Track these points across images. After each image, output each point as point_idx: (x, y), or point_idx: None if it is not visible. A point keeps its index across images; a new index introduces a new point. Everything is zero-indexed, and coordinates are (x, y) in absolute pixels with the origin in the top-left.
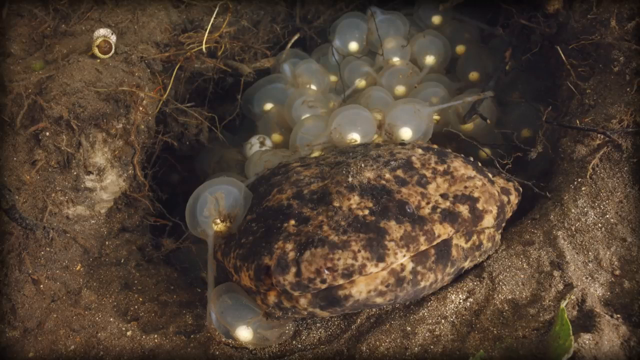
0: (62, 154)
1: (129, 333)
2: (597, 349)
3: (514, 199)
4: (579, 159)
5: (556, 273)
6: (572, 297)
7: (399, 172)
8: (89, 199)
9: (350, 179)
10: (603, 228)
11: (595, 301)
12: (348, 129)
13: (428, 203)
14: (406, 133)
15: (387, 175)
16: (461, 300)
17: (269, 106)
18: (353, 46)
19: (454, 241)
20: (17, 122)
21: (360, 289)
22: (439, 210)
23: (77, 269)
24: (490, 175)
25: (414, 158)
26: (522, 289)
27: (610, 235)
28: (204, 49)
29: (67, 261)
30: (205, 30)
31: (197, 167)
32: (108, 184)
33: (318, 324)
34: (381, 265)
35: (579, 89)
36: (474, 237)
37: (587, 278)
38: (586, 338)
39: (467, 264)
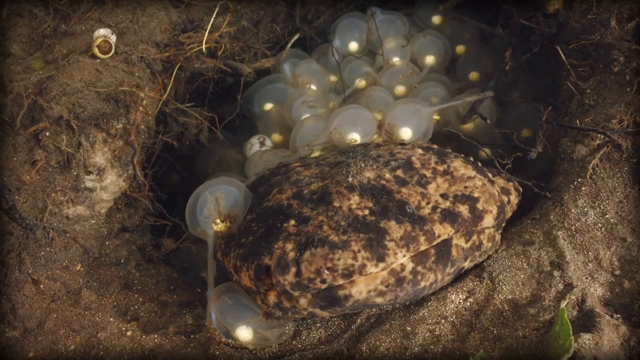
0: (62, 154)
1: (129, 333)
2: (597, 349)
3: (514, 199)
4: (579, 159)
5: (556, 273)
6: (572, 297)
7: (399, 172)
8: (89, 199)
9: (350, 179)
10: (603, 228)
11: (595, 301)
12: (348, 129)
13: (428, 203)
14: (406, 133)
15: (387, 175)
16: (461, 300)
17: (269, 106)
18: (353, 46)
19: (454, 241)
20: (17, 122)
21: (360, 289)
22: (439, 210)
23: (77, 269)
24: (490, 175)
25: (414, 158)
26: (522, 289)
27: (610, 235)
28: (204, 49)
29: (67, 261)
30: (205, 30)
31: (197, 167)
32: (108, 184)
33: (318, 324)
34: (381, 265)
35: (579, 89)
36: (474, 237)
37: (587, 278)
38: (586, 338)
39: (467, 264)
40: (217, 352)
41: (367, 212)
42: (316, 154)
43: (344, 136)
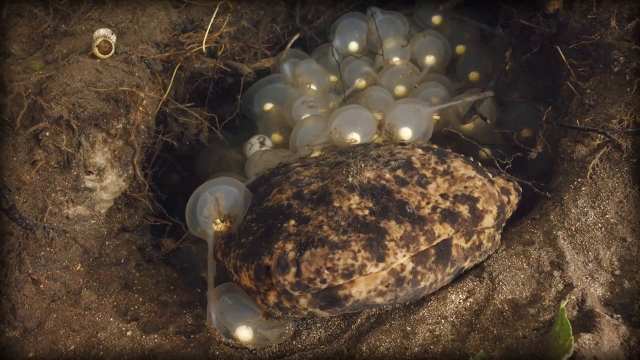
0: (62, 154)
1: (129, 333)
2: (597, 349)
3: (514, 199)
4: (579, 159)
5: (556, 273)
6: (572, 297)
7: (399, 172)
8: (89, 199)
9: (350, 179)
10: (603, 228)
11: (595, 301)
12: (348, 129)
13: (428, 203)
14: (406, 133)
15: (387, 175)
16: (461, 300)
17: (269, 106)
18: (353, 46)
19: (454, 241)
20: (17, 122)
21: (360, 289)
22: (439, 210)
23: (77, 269)
24: (490, 175)
25: (414, 158)
26: (522, 289)
27: (610, 235)
28: (204, 49)
29: (67, 261)
30: (205, 30)
31: (197, 167)
32: (108, 184)
33: (318, 324)
34: (381, 265)
35: (579, 89)
36: (474, 237)
37: (587, 278)
38: (586, 338)
39: (467, 264)
40: (217, 352)
41: (367, 212)
42: (316, 154)
43: (344, 136)
